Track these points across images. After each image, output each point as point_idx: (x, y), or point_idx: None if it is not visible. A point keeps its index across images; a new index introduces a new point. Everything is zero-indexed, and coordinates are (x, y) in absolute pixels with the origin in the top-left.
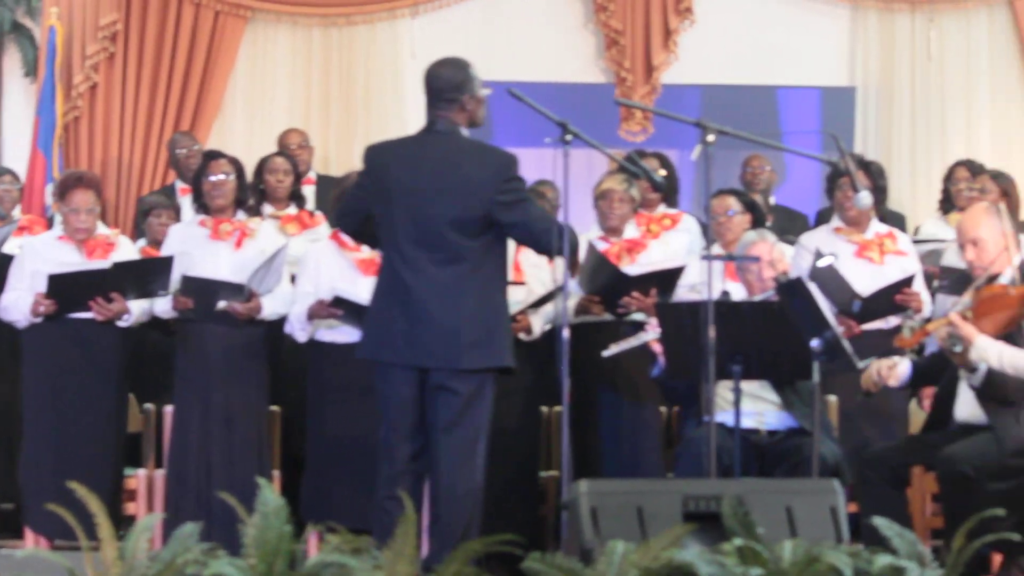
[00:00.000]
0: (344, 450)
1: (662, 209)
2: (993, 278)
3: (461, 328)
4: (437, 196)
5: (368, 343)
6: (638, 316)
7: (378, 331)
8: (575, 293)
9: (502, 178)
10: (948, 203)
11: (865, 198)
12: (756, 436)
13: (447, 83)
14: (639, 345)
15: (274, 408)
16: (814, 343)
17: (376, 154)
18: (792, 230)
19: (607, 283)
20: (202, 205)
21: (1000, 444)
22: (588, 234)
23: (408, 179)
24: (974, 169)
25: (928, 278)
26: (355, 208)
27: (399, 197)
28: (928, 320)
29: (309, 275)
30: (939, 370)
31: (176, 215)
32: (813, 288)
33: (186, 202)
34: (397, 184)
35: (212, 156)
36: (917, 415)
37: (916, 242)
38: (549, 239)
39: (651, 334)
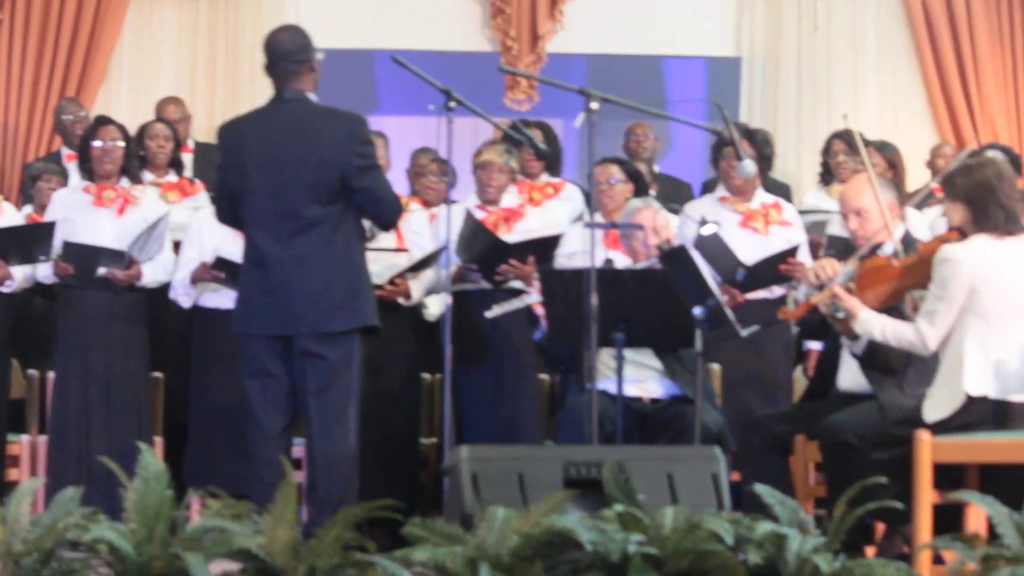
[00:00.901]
0: (226, 416)
1: (545, 178)
2: (876, 248)
3: (325, 293)
4: (293, 165)
5: (236, 316)
6: (516, 284)
7: (243, 304)
8: (453, 261)
9: (357, 141)
10: (828, 175)
11: (749, 166)
12: (639, 404)
13: (295, 46)
14: (522, 308)
15: (156, 375)
16: (697, 311)
17: (230, 130)
18: (676, 199)
19: (485, 251)
20: (87, 171)
21: (883, 413)
22: (466, 202)
23: (263, 151)
24: (850, 141)
25: (813, 248)
26: (223, 192)
27: (256, 169)
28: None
29: (193, 241)
30: (825, 327)
31: (65, 180)
32: (697, 256)
33: (73, 168)
34: (253, 157)
35: (102, 122)
36: (801, 383)
37: (801, 212)
38: (391, 211)
39: (534, 296)
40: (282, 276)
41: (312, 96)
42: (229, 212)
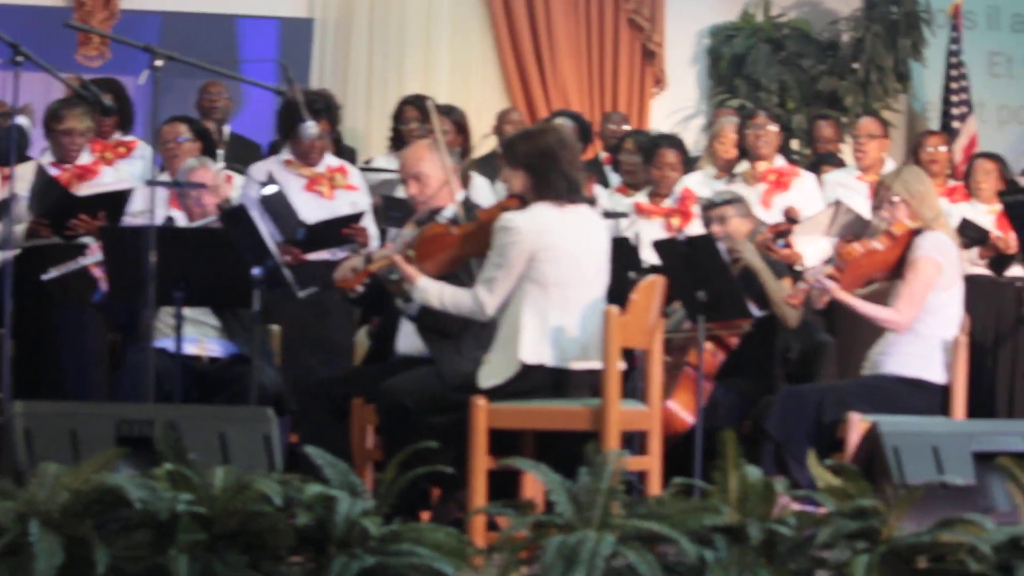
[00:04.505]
0: None
1: (117, 136)
2: (435, 212)
3: None
4: None
5: None
6: (88, 239)
7: None
8: (25, 219)
9: None
10: (399, 141)
11: (311, 128)
12: (198, 363)
13: None
14: (79, 269)
15: None
16: (255, 271)
17: None
18: (247, 159)
19: (55, 205)
20: None
21: (441, 377)
22: (42, 159)
23: None
24: (421, 107)
25: (377, 211)
26: None
27: None
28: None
29: None
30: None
31: None
32: (256, 216)
33: None
34: None
35: None
36: (363, 346)
37: (363, 169)
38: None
39: (91, 258)
40: None
41: None
42: None
